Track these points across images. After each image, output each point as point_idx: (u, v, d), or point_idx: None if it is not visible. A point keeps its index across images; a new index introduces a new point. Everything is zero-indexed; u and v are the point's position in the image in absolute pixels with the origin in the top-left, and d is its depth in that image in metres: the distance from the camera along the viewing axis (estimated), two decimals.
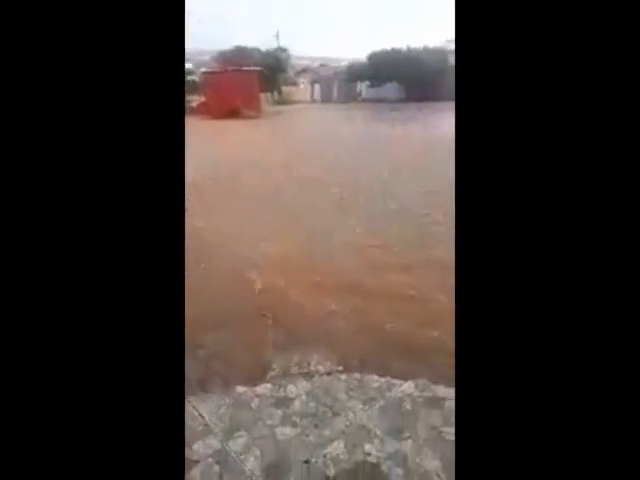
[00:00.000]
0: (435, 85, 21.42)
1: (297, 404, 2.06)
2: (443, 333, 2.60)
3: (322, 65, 38.48)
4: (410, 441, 1.83)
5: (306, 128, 16.12)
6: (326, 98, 29.37)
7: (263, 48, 30.94)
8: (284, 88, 30.82)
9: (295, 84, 34.63)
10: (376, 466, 1.71)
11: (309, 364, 2.35)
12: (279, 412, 2.01)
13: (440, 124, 13.71)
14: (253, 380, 2.22)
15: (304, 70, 37.32)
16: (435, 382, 2.16)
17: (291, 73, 35.25)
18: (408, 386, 2.14)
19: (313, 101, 30.60)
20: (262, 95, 24.32)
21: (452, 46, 30.84)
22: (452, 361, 2.35)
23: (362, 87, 26.32)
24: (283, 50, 31.69)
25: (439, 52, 23.34)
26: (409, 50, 22.26)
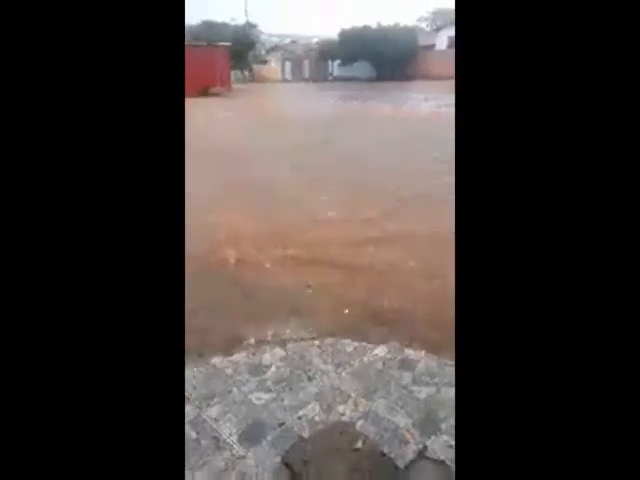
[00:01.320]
0: (406, 64, 21.39)
1: (272, 370, 2.08)
2: (413, 301, 2.67)
3: (293, 42, 37.60)
4: (382, 400, 1.89)
5: (278, 106, 15.83)
6: (297, 76, 28.83)
7: (232, 24, 29.91)
8: (255, 66, 30.02)
9: (265, 62, 33.77)
10: (351, 425, 1.76)
11: (284, 334, 2.37)
12: (254, 379, 2.02)
13: (409, 102, 13.76)
14: (228, 350, 2.22)
15: (275, 48, 36.38)
16: (407, 346, 2.23)
17: (261, 51, 34.31)
18: (380, 350, 2.20)
19: (284, 79, 29.97)
20: (232, 72, 23.60)
21: (423, 25, 30.74)
22: (422, 326, 2.42)
23: (333, 66, 25.97)
24: (252, 26, 30.70)
25: (410, 31, 23.23)
26: (380, 28, 22.03)
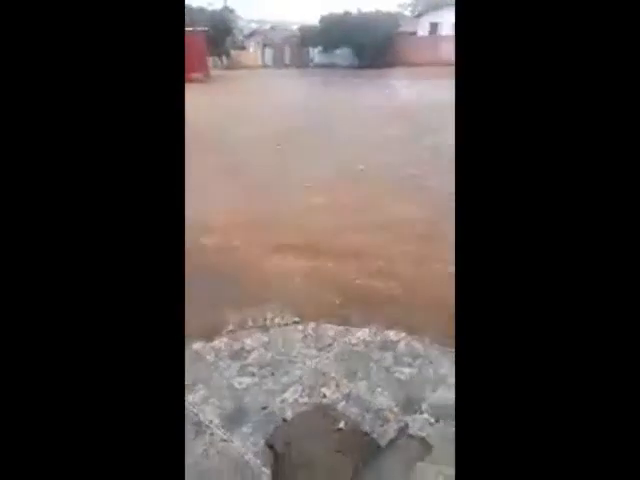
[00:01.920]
0: (387, 51, 21.28)
1: (254, 355, 2.07)
2: (394, 284, 2.69)
3: (272, 28, 36.93)
4: (364, 382, 1.91)
5: (257, 92, 15.58)
6: (278, 63, 28.39)
7: (209, 8, 29.15)
8: (233, 52, 29.42)
9: (244, 48, 33.11)
10: (333, 406, 1.77)
11: (265, 319, 2.36)
12: (236, 364, 2.02)
13: (389, 90, 13.73)
14: (210, 336, 2.20)
15: (253, 33, 35.67)
16: (388, 328, 2.25)
17: (240, 36, 33.61)
18: (362, 333, 2.21)
19: (265, 66, 29.48)
20: (209, 59, 23.07)
21: (405, 11, 30.55)
22: (406, 308, 2.45)
23: (314, 52, 25.65)
24: (230, 10, 30.00)
25: (391, 17, 23.05)
26: (361, 14, 21.81)
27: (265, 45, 31.39)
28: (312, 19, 25.09)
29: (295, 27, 29.91)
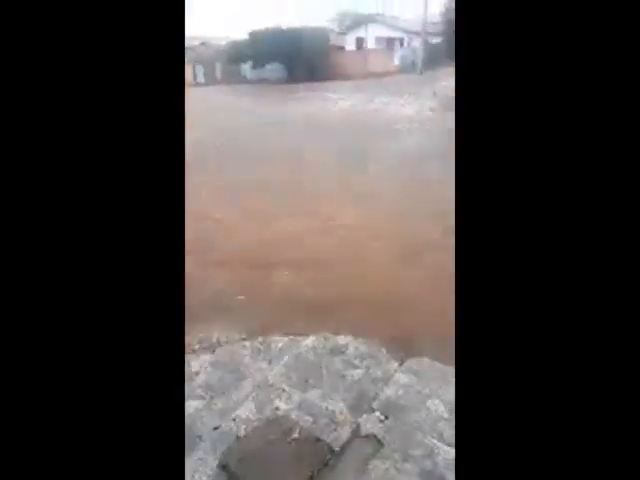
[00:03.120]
0: (318, 65, 21.83)
1: (202, 377, 2.02)
2: (340, 290, 2.76)
3: (202, 44, 36.47)
4: (316, 389, 1.93)
5: (191, 110, 15.26)
6: (210, 79, 28.04)
7: None
8: None
9: None
10: (286, 417, 1.78)
11: (211, 339, 2.32)
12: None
13: (321, 103, 14.06)
14: None
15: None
16: (336, 333, 2.29)
17: None
18: (311, 340, 2.24)
19: (197, 83, 29.00)
20: None
21: (332, 26, 31.54)
22: (354, 312, 2.51)
23: (246, 68, 25.67)
24: None
25: (321, 31, 23.69)
26: (290, 29, 22.22)
27: (195, 62, 30.90)
28: (242, 34, 25.09)
29: (225, 43, 29.78)
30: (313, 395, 1.89)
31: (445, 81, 14.36)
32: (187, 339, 2.29)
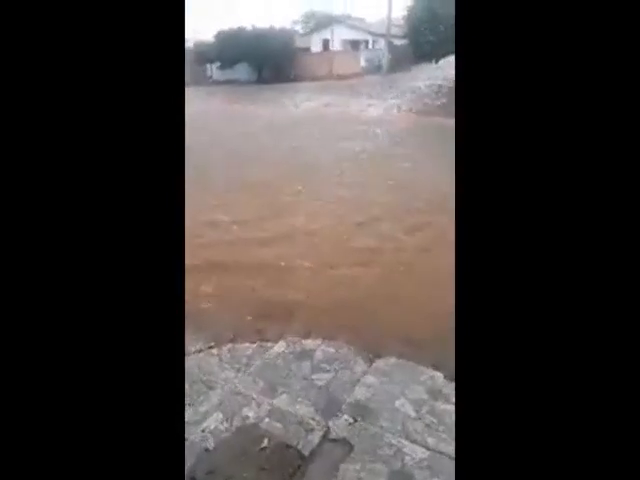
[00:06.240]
0: (285, 66, 21.78)
1: None
2: (307, 293, 2.76)
3: None
4: (285, 395, 1.92)
5: None
6: None
7: None
8: None
9: None
10: (255, 426, 1.76)
11: None
12: None
13: (288, 104, 14.06)
14: None
15: None
16: (304, 337, 2.30)
17: None
18: (279, 346, 2.23)
19: None
20: None
21: (297, 27, 31.54)
22: (317, 315, 2.52)
23: (212, 69, 25.29)
24: None
25: (287, 33, 23.64)
26: (256, 30, 22.05)
27: None
28: (207, 35, 24.72)
29: (190, 44, 29.23)
30: (282, 401, 1.89)
31: (411, 82, 14.65)
32: None
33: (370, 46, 23.63)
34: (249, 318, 2.49)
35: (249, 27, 22.37)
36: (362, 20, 27.08)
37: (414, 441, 1.67)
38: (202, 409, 1.86)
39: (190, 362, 2.14)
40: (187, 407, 1.86)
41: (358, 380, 1.99)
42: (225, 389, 1.96)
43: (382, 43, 20.69)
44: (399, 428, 1.73)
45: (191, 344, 2.27)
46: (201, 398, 1.91)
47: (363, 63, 21.44)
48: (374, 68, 20.23)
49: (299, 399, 1.90)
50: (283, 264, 3.18)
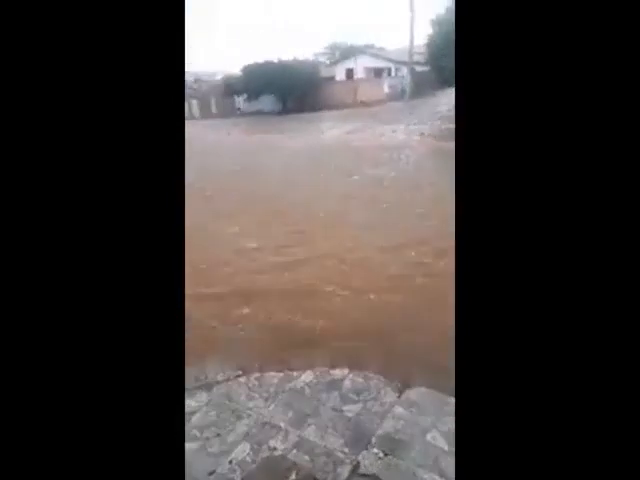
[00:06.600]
0: (309, 96, 22.42)
1: (197, 417, 1.98)
2: (335, 320, 2.74)
3: (197, 80, 37.50)
4: (313, 426, 1.89)
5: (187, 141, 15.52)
6: (205, 113, 28.66)
7: None
8: None
9: None
10: (283, 458, 1.74)
11: (206, 376, 2.28)
12: None
13: (314, 132, 14.35)
14: None
15: None
16: (332, 366, 2.27)
17: None
18: (306, 375, 2.21)
19: (192, 117, 29.61)
20: None
21: (321, 58, 32.58)
22: (345, 343, 2.48)
23: (240, 101, 26.32)
24: None
25: (311, 64, 24.49)
26: (281, 62, 22.94)
27: (191, 97, 31.64)
28: (235, 69, 25.84)
29: (219, 77, 30.61)
30: (310, 432, 1.86)
31: (433, 107, 14.73)
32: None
33: (393, 73, 24.04)
34: (277, 346, 2.49)
35: (275, 60, 23.28)
36: (384, 49, 27.69)
37: (448, 477, 1.60)
38: (230, 439, 1.85)
39: (219, 391, 2.15)
40: (215, 437, 1.86)
41: (388, 411, 1.94)
42: (253, 419, 1.94)
43: (404, 70, 21.03)
44: (431, 463, 1.67)
45: (219, 372, 2.29)
46: (229, 428, 1.91)
47: (386, 90, 21.80)
48: (397, 95, 20.50)
49: (328, 430, 1.86)
50: (311, 290, 3.18)
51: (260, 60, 23.32)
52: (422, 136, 11.83)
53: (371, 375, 2.19)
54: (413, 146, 10.14)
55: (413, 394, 2.05)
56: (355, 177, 7.22)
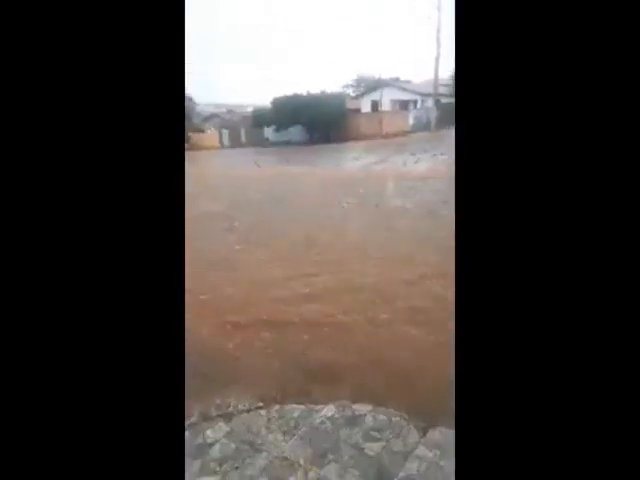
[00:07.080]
0: (336, 127, 22.94)
1: (216, 449, 1.97)
2: (355, 354, 2.70)
3: (229, 112, 39.13)
4: (333, 464, 1.84)
5: (217, 170, 16.06)
6: (235, 143, 29.70)
7: None
8: (192, 134, 30.67)
9: (202, 131, 34.66)
10: None
11: (229, 405, 2.27)
12: (197, 462, 1.90)
13: (341, 162, 14.57)
14: None
15: (210, 117, 37.62)
16: (354, 401, 2.22)
17: (198, 120, 35.27)
18: (328, 409, 2.17)
19: (223, 146, 30.73)
20: None
21: (348, 91, 33.47)
22: (366, 377, 2.44)
23: (269, 131, 27.19)
24: (189, 99, 31.84)
25: (338, 96, 25.20)
26: (310, 95, 23.70)
27: (222, 127, 32.95)
28: (265, 101, 26.88)
29: (250, 109, 31.85)
30: (331, 470, 1.81)
31: None
32: (203, 406, 2.26)
33: (418, 105, 24.37)
34: (297, 378, 2.46)
35: (304, 92, 24.09)
36: (410, 82, 28.22)
37: None
38: (247, 472, 1.82)
39: (238, 421, 2.13)
40: (233, 470, 1.83)
41: (410, 452, 1.87)
42: (272, 453, 1.91)
43: (430, 102, 21.28)
44: None
45: (240, 402, 2.27)
46: (247, 461, 1.88)
47: (411, 121, 22.05)
48: (422, 126, 20.71)
49: (348, 469, 1.81)
50: (331, 321, 3.16)
51: (289, 93, 24.17)
52: (446, 166, 11.81)
53: (394, 412, 2.13)
54: (436, 176, 10.12)
55: (437, 434, 1.97)
56: (379, 207, 7.24)
